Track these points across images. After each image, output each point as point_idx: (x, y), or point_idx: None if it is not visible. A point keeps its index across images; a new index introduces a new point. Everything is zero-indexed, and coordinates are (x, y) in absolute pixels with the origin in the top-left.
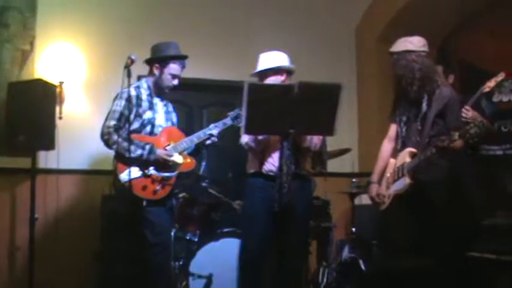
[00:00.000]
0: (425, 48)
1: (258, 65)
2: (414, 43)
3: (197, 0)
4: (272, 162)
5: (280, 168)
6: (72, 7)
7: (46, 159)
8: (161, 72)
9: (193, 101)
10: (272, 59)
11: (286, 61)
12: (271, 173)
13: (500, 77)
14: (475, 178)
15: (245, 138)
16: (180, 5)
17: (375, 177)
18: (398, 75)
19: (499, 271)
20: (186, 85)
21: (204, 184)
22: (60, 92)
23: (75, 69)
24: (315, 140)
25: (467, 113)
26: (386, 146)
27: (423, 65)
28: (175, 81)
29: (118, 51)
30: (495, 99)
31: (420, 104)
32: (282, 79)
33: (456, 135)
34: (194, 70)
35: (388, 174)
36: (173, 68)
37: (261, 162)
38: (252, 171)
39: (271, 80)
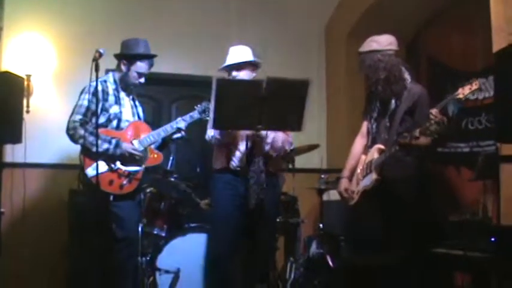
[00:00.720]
0: (392, 47)
1: (227, 59)
2: (380, 42)
3: None
4: (239, 158)
5: (248, 164)
6: None
7: (13, 153)
8: (128, 69)
9: (162, 95)
10: (241, 53)
11: (251, 55)
12: (238, 169)
13: (475, 86)
14: (440, 174)
15: (211, 132)
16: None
17: (345, 172)
18: (364, 75)
19: (465, 267)
20: (155, 80)
21: (172, 179)
22: (28, 84)
23: (44, 62)
24: (277, 145)
25: (436, 116)
26: (359, 142)
27: (388, 64)
28: (142, 79)
29: (88, 43)
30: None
31: (389, 101)
32: (254, 74)
33: (417, 131)
34: (164, 65)
35: (358, 171)
36: (140, 66)
37: (228, 158)
38: (218, 167)
39: (242, 74)
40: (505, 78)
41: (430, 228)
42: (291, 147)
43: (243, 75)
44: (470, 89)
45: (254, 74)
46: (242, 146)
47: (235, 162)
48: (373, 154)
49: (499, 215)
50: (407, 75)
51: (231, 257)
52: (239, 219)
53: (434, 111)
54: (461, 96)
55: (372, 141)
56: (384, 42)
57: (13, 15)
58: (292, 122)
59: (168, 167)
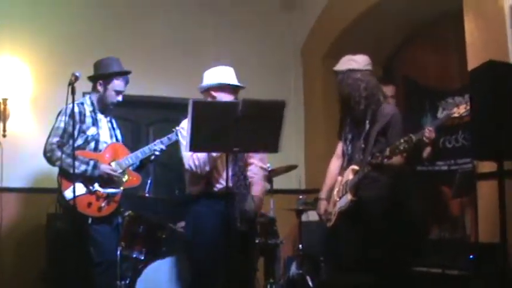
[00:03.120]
0: (370, 67)
1: (207, 79)
2: (359, 62)
3: (145, 18)
4: (222, 181)
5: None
6: (20, 21)
7: None
8: (105, 89)
9: (140, 118)
10: (222, 74)
11: (233, 78)
12: (222, 193)
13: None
14: (418, 193)
15: (194, 161)
16: (127, 23)
17: (323, 194)
18: (344, 94)
19: (444, 285)
20: (133, 102)
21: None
22: (4, 108)
23: (20, 85)
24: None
25: (431, 134)
26: (334, 163)
27: (368, 84)
28: (120, 97)
29: (65, 67)
30: (440, 114)
31: (363, 122)
32: (232, 97)
33: (387, 151)
34: (141, 87)
35: (335, 192)
36: (117, 84)
37: (208, 182)
38: (197, 193)
39: (220, 95)
40: (480, 96)
41: (407, 247)
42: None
43: (223, 97)
44: (465, 108)
45: (233, 97)
46: (223, 170)
47: (218, 186)
48: (348, 175)
49: (477, 233)
50: (381, 95)
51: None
52: (224, 245)
53: (428, 129)
54: (456, 115)
55: (348, 162)
56: (362, 62)
57: None
58: (269, 143)
59: (146, 191)
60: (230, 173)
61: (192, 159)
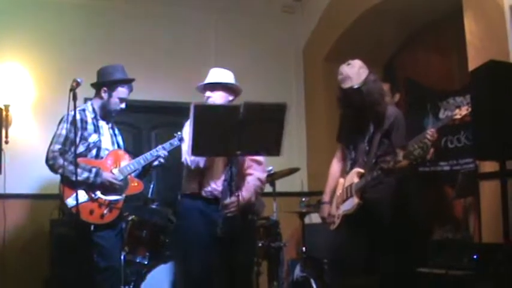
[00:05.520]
0: (366, 69)
1: (207, 79)
2: (362, 65)
3: (146, 23)
4: (213, 184)
5: (226, 190)
6: (22, 28)
7: None
8: (109, 96)
9: (142, 122)
10: (217, 74)
11: (232, 80)
12: (210, 196)
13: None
14: (422, 194)
15: (191, 156)
16: (129, 28)
17: (326, 197)
18: (373, 99)
19: (447, 286)
20: (135, 107)
21: (153, 206)
22: (7, 115)
23: (23, 92)
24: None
25: (433, 135)
26: (335, 166)
27: (376, 89)
28: (123, 105)
29: (67, 73)
30: (441, 115)
31: (367, 124)
32: (231, 98)
33: (400, 156)
34: (143, 92)
35: (337, 194)
36: (122, 91)
37: (201, 183)
38: (188, 192)
39: (215, 95)
40: (481, 96)
41: (412, 247)
42: (270, 172)
43: (217, 96)
44: (467, 110)
45: (231, 98)
46: (218, 173)
47: (208, 188)
48: (353, 178)
49: (480, 233)
50: (386, 96)
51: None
52: (213, 247)
53: (431, 131)
54: (458, 116)
55: (351, 165)
56: (363, 64)
57: None
58: (271, 146)
59: (149, 195)
60: (222, 178)
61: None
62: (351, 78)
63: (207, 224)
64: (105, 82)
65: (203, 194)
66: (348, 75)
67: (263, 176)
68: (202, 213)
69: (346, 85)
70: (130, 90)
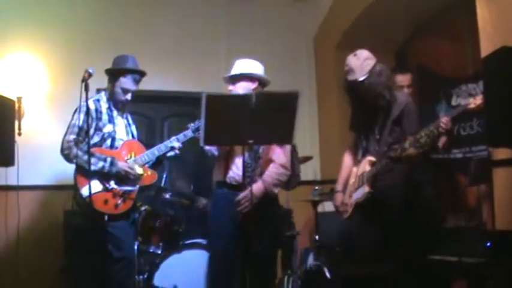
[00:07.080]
0: (371, 61)
1: (232, 70)
2: (368, 56)
3: (158, 13)
4: (235, 171)
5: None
6: (34, 19)
7: (6, 176)
8: (112, 86)
9: (155, 112)
10: (242, 66)
11: (259, 70)
12: (234, 182)
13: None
14: (434, 181)
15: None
16: (141, 18)
17: (339, 186)
18: (377, 93)
19: (460, 273)
20: (147, 97)
21: (166, 196)
22: (19, 107)
23: (35, 83)
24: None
25: (447, 124)
26: (348, 154)
27: (387, 74)
28: (128, 96)
29: (80, 64)
30: (454, 102)
31: (377, 113)
32: (253, 87)
33: (407, 144)
34: (155, 82)
35: (350, 183)
36: (123, 82)
37: (225, 171)
38: (216, 180)
39: (237, 87)
40: (494, 83)
41: (424, 235)
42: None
43: (239, 88)
44: (482, 99)
45: (253, 86)
46: (238, 160)
47: (230, 174)
48: (365, 166)
49: (493, 220)
50: (395, 84)
51: (231, 270)
52: (236, 232)
53: (445, 119)
54: (473, 106)
55: (363, 153)
56: (369, 54)
57: (3, 36)
58: (283, 135)
59: (162, 184)
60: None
61: None
62: (354, 71)
63: (231, 211)
64: (107, 71)
65: (227, 180)
66: (352, 68)
67: (286, 161)
68: (228, 200)
69: (350, 78)
70: (135, 81)
